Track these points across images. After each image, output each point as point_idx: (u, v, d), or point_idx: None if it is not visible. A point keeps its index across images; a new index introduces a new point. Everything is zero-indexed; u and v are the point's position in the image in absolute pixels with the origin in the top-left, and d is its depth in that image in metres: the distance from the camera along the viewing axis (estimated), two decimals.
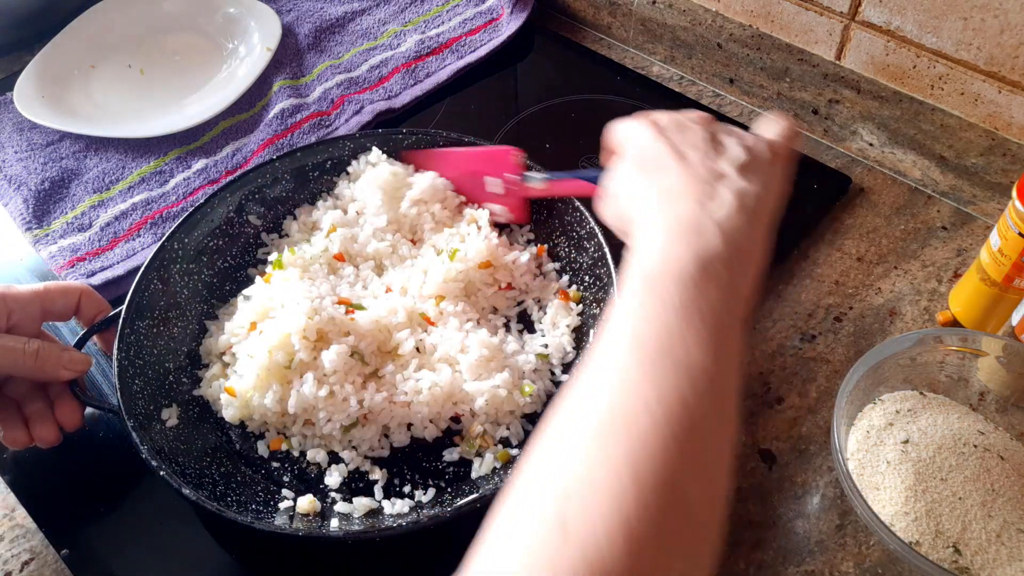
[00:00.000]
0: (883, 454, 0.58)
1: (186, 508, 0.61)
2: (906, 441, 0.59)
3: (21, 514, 0.63)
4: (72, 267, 0.77)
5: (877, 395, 0.63)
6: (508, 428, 0.62)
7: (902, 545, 0.51)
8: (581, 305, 0.69)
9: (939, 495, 0.56)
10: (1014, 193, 0.59)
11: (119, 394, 0.60)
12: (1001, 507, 0.55)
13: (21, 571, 0.60)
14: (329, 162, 0.78)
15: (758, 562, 0.58)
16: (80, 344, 0.64)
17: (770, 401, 0.67)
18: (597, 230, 0.68)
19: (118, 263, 0.78)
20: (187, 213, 0.72)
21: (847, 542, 0.59)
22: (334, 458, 0.62)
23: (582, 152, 0.87)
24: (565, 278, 0.72)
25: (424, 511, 0.58)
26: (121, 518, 0.62)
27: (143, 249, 0.79)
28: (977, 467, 0.57)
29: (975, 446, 0.58)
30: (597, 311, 0.67)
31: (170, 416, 0.63)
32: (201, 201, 0.73)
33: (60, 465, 0.65)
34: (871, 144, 0.84)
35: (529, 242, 0.75)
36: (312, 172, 0.77)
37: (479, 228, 0.72)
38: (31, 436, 0.61)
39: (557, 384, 0.65)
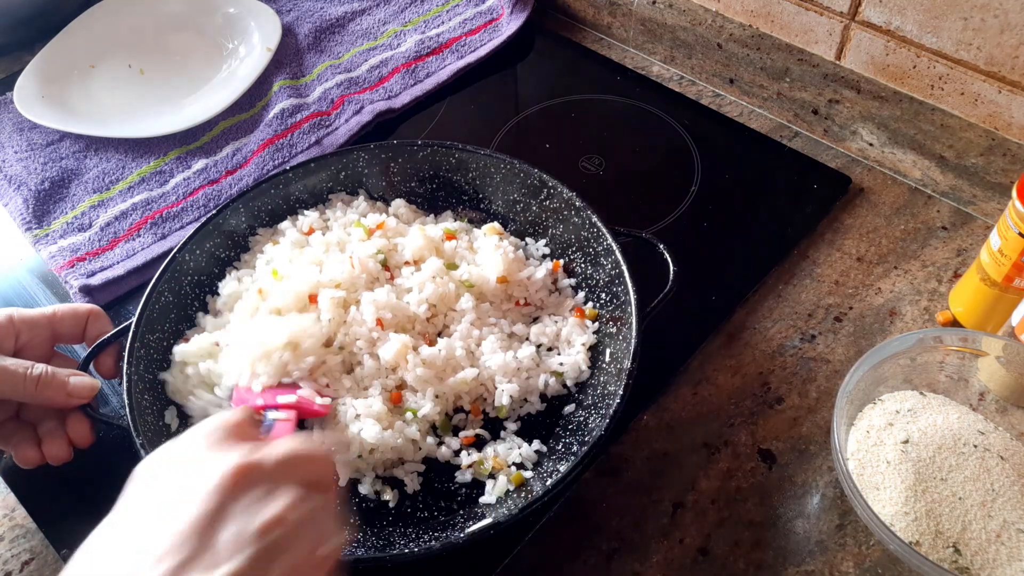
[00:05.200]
0: (883, 454, 0.59)
1: None
2: (906, 441, 0.59)
3: (21, 514, 0.63)
4: (72, 267, 0.77)
5: (877, 395, 0.63)
6: (520, 451, 0.61)
7: (902, 545, 0.51)
8: (597, 323, 0.68)
9: (939, 495, 0.56)
10: (1014, 193, 0.59)
11: (128, 410, 0.59)
12: (1001, 507, 0.55)
13: (21, 571, 0.60)
14: (343, 173, 0.77)
15: (758, 562, 0.58)
16: (85, 364, 0.63)
17: (770, 401, 0.67)
18: (615, 247, 0.67)
19: (118, 263, 0.78)
20: (199, 224, 0.71)
21: (847, 542, 0.59)
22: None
23: (582, 152, 0.87)
24: (581, 295, 0.70)
25: (436, 534, 0.57)
26: None
27: (143, 249, 0.79)
28: (977, 467, 0.57)
29: (975, 446, 0.58)
30: (613, 330, 0.65)
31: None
32: (213, 212, 0.72)
33: (61, 466, 0.65)
34: (871, 144, 0.84)
35: (544, 257, 0.73)
36: (325, 184, 0.77)
37: (501, 237, 0.71)
38: (43, 455, 0.60)
39: (569, 399, 0.65)
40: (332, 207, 0.76)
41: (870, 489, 0.57)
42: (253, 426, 0.46)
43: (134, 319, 0.64)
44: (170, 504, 0.39)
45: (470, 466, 0.61)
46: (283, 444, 0.43)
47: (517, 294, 0.69)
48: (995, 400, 0.61)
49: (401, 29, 1.02)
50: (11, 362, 0.58)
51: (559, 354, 0.66)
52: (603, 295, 0.68)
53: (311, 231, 0.73)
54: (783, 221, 0.80)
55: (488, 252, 0.69)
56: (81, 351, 0.69)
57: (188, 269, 0.69)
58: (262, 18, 1.01)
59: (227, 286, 0.69)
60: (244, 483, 0.39)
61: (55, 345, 0.64)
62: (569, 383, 0.65)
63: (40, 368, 0.59)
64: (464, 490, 0.60)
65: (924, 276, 0.75)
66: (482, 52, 0.98)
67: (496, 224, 0.73)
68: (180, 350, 0.64)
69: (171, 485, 0.40)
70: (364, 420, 0.60)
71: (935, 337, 0.61)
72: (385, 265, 0.69)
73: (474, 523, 0.56)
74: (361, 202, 0.76)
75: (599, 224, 0.68)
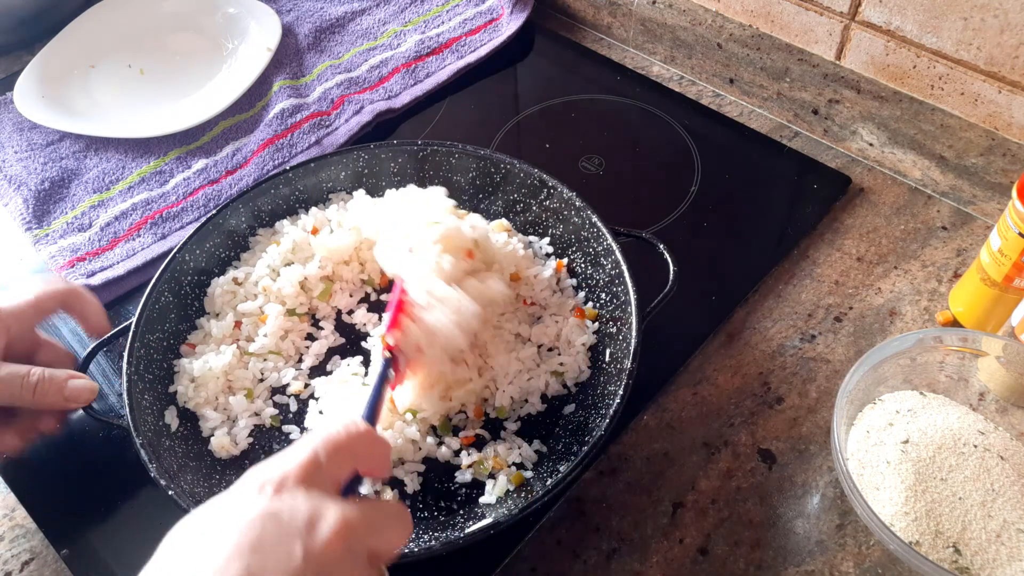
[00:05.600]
0: (883, 454, 0.58)
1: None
2: (906, 441, 0.59)
3: (21, 514, 0.63)
4: (72, 267, 0.77)
5: (877, 395, 0.63)
6: (520, 451, 0.61)
7: (902, 545, 0.51)
8: (597, 323, 0.68)
9: (939, 495, 0.56)
10: (1014, 193, 0.59)
11: (128, 410, 0.59)
12: (1001, 507, 0.55)
13: (21, 571, 0.60)
14: (343, 173, 0.77)
15: (758, 562, 0.58)
16: (86, 362, 0.63)
17: (770, 401, 0.67)
18: (615, 247, 0.67)
19: (118, 263, 0.78)
20: (199, 224, 0.71)
21: (847, 542, 0.59)
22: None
23: (582, 152, 0.87)
24: (581, 295, 0.70)
25: (436, 534, 0.57)
26: (121, 518, 0.62)
27: (143, 249, 0.79)
28: (977, 467, 0.57)
29: (975, 446, 0.58)
30: (613, 330, 0.66)
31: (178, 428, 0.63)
32: (213, 212, 0.72)
33: (60, 465, 0.65)
34: (871, 144, 0.84)
35: (548, 256, 0.73)
36: (325, 184, 0.77)
37: (509, 235, 0.71)
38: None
39: (569, 399, 0.64)
40: (332, 207, 0.76)
41: (870, 489, 0.57)
42: (366, 447, 0.44)
43: (134, 319, 0.64)
44: (268, 547, 0.37)
45: (470, 466, 0.61)
46: (387, 514, 0.42)
47: (524, 292, 0.69)
48: (995, 400, 0.61)
49: (401, 29, 1.02)
50: (7, 370, 0.57)
51: (559, 354, 0.66)
52: (603, 295, 0.68)
53: (315, 231, 0.73)
54: (783, 221, 0.80)
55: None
56: (68, 333, 0.69)
57: (188, 269, 0.69)
58: (262, 18, 1.01)
59: (219, 286, 0.70)
60: (342, 546, 0.39)
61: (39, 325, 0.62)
62: (569, 383, 0.65)
63: (37, 374, 0.58)
64: (464, 490, 0.60)
65: (924, 276, 0.75)
66: (482, 52, 0.98)
67: (504, 221, 0.73)
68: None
69: (273, 524, 0.38)
70: None
71: (935, 337, 0.61)
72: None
73: (474, 523, 0.56)
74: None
75: (599, 224, 0.68)
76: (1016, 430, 0.60)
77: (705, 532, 0.60)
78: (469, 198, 0.77)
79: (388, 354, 0.57)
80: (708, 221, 0.80)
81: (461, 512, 0.59)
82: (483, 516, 0.57)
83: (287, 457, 0.41)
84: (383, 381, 0.55)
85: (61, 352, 0.63)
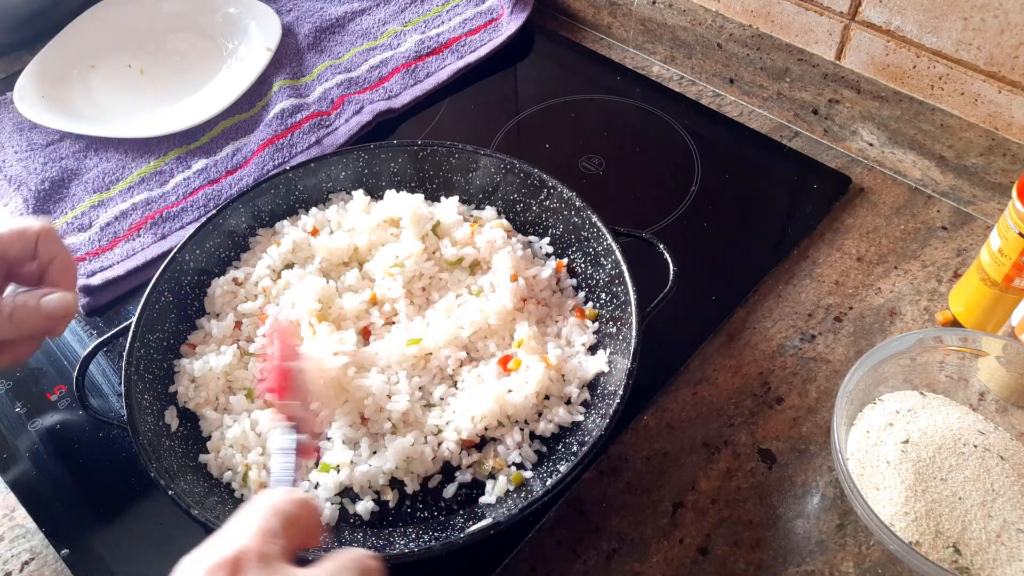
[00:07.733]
0: (883, 454, 0.58)
1: None
2: (906, 441, 0.59)
3: (21, 514, 0.63)
4: None
5: (877, 395, 0.63)
6: (520, 452, 0.61)
7: (902, 545, 0.51)
8: (597, 323, 0.68)
9: (939, 495, 0.56)
10: (1014, 193, 0.59)
11: (128, 410, 0.59)
12: (1001, 507, 0.55)
13: (21, 571, 0.60)
14: (343, 173, 0.77)
15: (758, 562, 0.58)
16: (86, 362, 0.62)
17: (770, 401, 0.67)
18: (615, 247, 0.67)
19: (118, 263, 0.78)
20: (199, 224, 0.71)
21: (847, 542, 0.59)
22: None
23: (582, 152, 0.87)
24: (581, 295, 0.70)
25: (436, 534, 0.57)
26: (121, 518, 0.62)
27: (143, 249, 0.79)
28: (977, 467, 0.57)
29: (975, 446, 0.58)
30: (613, 329, 0.66)
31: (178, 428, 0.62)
32: (213, 212, 0.71)
33: (60, 465, 0.65)
34: (871, 144, 0.84)
35: (548, 255, 0.73)
36: (325, 184, 0.77)
37: (509, 235, 0.71)
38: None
39: (568, 402, 0.64)
40: (332, 207, 0.76)
41: (870, 489, 0.57)
42: (304, 512, 0.42)
43: (134, 319, 0.64)
44: None
45: (470, 466, 0.61)
46: (357, 563, 0.39)
47: (523, 293, 0.69)
48: (995, 400, 0.61)
49: (401, 29, 1.02)
50: None
51: (560, 350, 0.66)
52: (603, 295, 0.68)
53: (315, 231, 0.73)
54: (783, 221, 0.80)
55: (495, 256, 0.69)
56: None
57: (188, 269, 0.69)
58: (262, 18, 1.01)
59: (220, 286, 0.69)
60: None
61: (5, 269, 0.57)
62: (568, 381, 0.65)
63: (9, 303, 0.54)
64: (464, 490, 0.60)
65: (924, 276, 0.75)
66: (482, 52, 0.98)
67: (504, 220, 0.73)
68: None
69: None
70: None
71: (935, 337, 0.61)
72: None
73: (474, 523, 0.56)
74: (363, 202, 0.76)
75: (599, 224, 0.68)
76: (1016, 430, 0.60)
77: (705, 532, 0.60)
78: (469, 198, 0.77)
79: (290, 422, 0.52)
80: (708, 221, 0.80)
81: (461, 512, 0.59)
82: (483, 516, 0.57)
83: (233, 534, 0.38)
84: (295, 448, 0.50)
85: (37, 293, 0.57)
